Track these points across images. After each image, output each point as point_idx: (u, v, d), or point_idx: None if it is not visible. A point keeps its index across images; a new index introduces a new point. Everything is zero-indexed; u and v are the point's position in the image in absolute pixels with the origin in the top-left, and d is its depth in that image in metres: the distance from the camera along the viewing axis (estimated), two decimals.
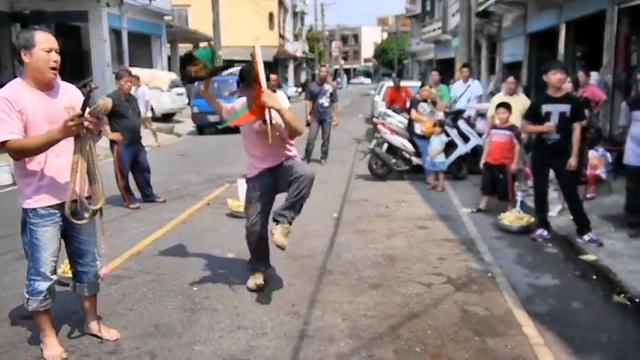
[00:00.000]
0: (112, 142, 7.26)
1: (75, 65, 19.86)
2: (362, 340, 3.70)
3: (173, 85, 19.97)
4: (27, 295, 3.34)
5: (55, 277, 3.39)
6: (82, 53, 20.44)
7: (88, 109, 3.15)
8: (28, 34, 3.16)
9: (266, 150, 4.32)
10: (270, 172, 4.40)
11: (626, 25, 9.66)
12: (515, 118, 7.04)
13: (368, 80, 79.92)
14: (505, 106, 7.03)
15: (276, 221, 4.22)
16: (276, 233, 4.17)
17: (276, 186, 4.44)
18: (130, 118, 7.32)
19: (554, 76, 5.64)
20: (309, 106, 10.98)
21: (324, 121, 10.93)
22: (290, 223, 4.24)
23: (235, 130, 20.27)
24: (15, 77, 3.31)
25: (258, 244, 4.57)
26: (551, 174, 5.96)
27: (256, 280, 4.56)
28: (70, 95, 3.36)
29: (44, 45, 3.14)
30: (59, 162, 3.25)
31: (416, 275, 4.90)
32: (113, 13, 18.05)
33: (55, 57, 3.18)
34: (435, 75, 11.05)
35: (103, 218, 3.50)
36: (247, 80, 4.22)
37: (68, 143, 3.19)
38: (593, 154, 7.12)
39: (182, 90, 20.81)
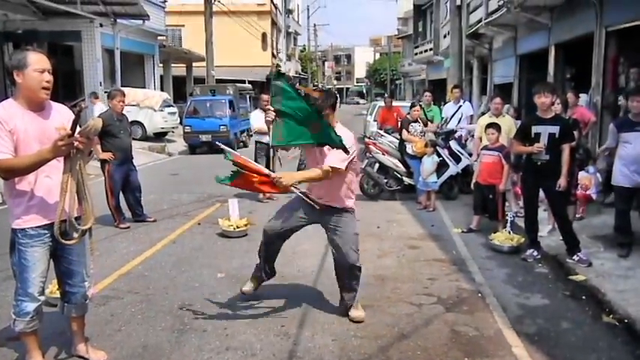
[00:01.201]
0: (103, 162, 7.25)
1: (67, 85, 19.88)
2: None
3: (165, 104, 20.01)
4: (14, 316, 3.31)
5: (42, 298, 3.36)
6: (74, 72, 20.47)
7: (78, 129, 3.15)
8: (21, 55, 3.17)
9: (321, 189, 4.25)
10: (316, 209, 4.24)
11: (614, 48, 9.80)
12: (501, 139, 7.13)
13: (362, 100, 79.96)
14: (494, 126, 7.11)
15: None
16: (354, 314, 4.34)
17: (313, 221, 4.42)
18: (122, 138, 7.32)
19: (538, 100, 5.72)
20: None
21: None
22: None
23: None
24: (7, 97, 3.31)
25: (269, 249, 4.55)
26: (541, 194, 6.00)
27: (247, 287, 4.64)
28: (61, 116, 3.35)
29: (37, 65, 3.15)
30: (49, 182, 3.24)
31: (406, 295, 4.90)
32: (106, 32, 18.13)
33: (48, 77, 3.19)
34: (427, 96, 11.12)
35: (93, 238, 3.47)
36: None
37: (59, 163, 3.17)
38: (583, 175, 7.17)
39: (174, 109, 20.86)
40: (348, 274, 4.32)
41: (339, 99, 4.21)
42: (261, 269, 4.64)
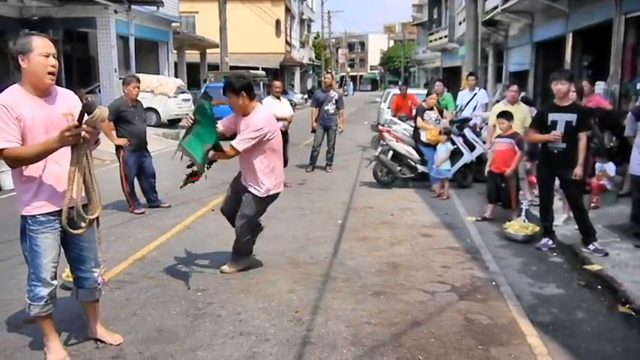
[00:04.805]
0: (118, 148, 7.29)
1: (82, 71, 20.01)
2: (365, 347, 3.70)
3: (179, 91, 20.03)
4: (28, 301, 3.35)
5: (55, 283, 3.38)
6: (89, 59, 20.61)
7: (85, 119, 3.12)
8: (25, 40, 3.12)
9: (242, 165, 4.94)
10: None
11: (633, 35, 9.66)
12: (515, 127, 7.07)
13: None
14: (505, 115, 7.04)
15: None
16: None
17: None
18: (137, 124, 7.35)
19: (555, 87, 5.65)
20: (315, 113, 11.01)
21: (329, 128, 10.94)
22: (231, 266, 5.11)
23: None
24: None
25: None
26: (556, 183, 5.95)
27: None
28: (67, 101, 3.34)
29: (42, 50, 3.11)
30: (58, 169, 3.22)
31: (419, 283, 4.89)
32: (121, 19, 18.18)
33: (53, 62, 3.15)
34: (438, 85, 10.94)
35: (105, 225, 3.48)
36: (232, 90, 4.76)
37: (67, 150, 3.15)
38: (597, 167, 7.09)
39: (188, 96, 20.90)
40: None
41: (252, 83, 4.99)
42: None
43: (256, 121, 4.70)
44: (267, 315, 4.19)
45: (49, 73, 3.15)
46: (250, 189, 4.85)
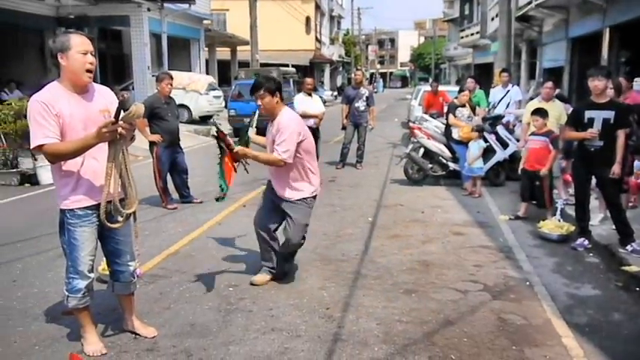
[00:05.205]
0: (152, 144, 7.39)
1: (116, 68, 20.37)
2: (396, 345, 3.68)
3: (210, 87, 20.22)
4: (66, 293, 3.43)
5: (92, 275, 3.46)
6: (123, 56, 20.96)
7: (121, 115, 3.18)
8: (64, 38, 3.20)
9: (273, 174, 4.71)
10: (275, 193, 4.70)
11: None
12: (550, 124, 6.93)
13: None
14: (539, 112, 6.91)
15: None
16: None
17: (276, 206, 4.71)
18: (170, 121, 7.45)
19: (591, 83, 5.53)
20: (345, 109, 11.00)
21: (359, 124, 10.92)
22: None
23: None
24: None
25: (259, 238, 4.85)
26: (593, 182, 5.82)
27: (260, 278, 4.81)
28: (104, 98, 3.41)
29: (80, 48, 3.18)
30: (95, 164, 3.29)
31: (451, 282, 4.84)
32: (154, 17, 18.42)
33: (91, 59, 3.22)
34: (470, 82, 10.75)
35: (140, 219, 3.53)
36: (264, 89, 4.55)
37: (104, 145, 3.22)
38: (636, 164, 6.91)
39: (219, 93, 21.08)
40: (291, 255, 4.92)
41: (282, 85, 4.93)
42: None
43: (286, 121, 4.55)
44: (299, 311, 4.20)
45: (87, 71, 3.22)
46: (298, 195, 4.60)
